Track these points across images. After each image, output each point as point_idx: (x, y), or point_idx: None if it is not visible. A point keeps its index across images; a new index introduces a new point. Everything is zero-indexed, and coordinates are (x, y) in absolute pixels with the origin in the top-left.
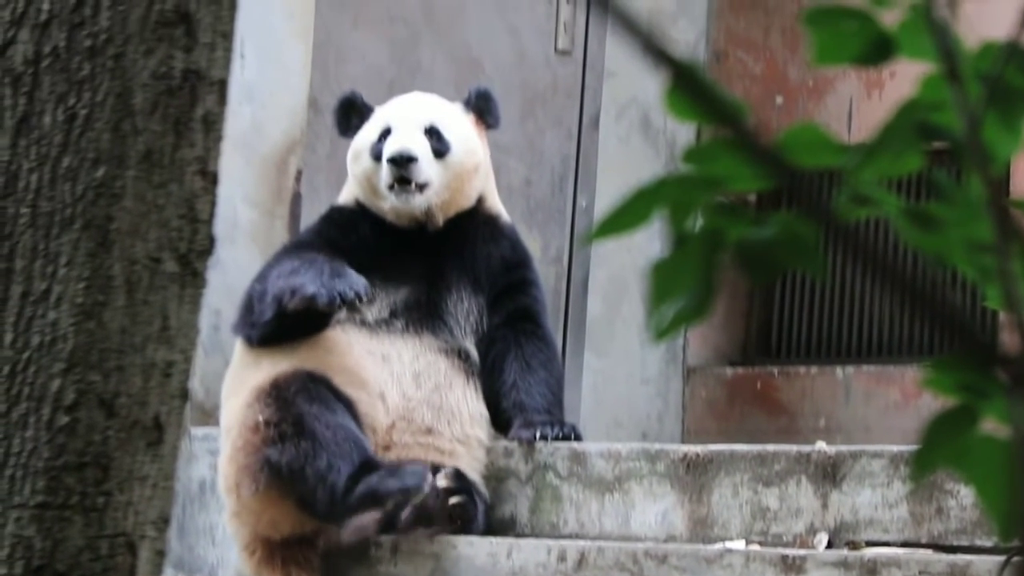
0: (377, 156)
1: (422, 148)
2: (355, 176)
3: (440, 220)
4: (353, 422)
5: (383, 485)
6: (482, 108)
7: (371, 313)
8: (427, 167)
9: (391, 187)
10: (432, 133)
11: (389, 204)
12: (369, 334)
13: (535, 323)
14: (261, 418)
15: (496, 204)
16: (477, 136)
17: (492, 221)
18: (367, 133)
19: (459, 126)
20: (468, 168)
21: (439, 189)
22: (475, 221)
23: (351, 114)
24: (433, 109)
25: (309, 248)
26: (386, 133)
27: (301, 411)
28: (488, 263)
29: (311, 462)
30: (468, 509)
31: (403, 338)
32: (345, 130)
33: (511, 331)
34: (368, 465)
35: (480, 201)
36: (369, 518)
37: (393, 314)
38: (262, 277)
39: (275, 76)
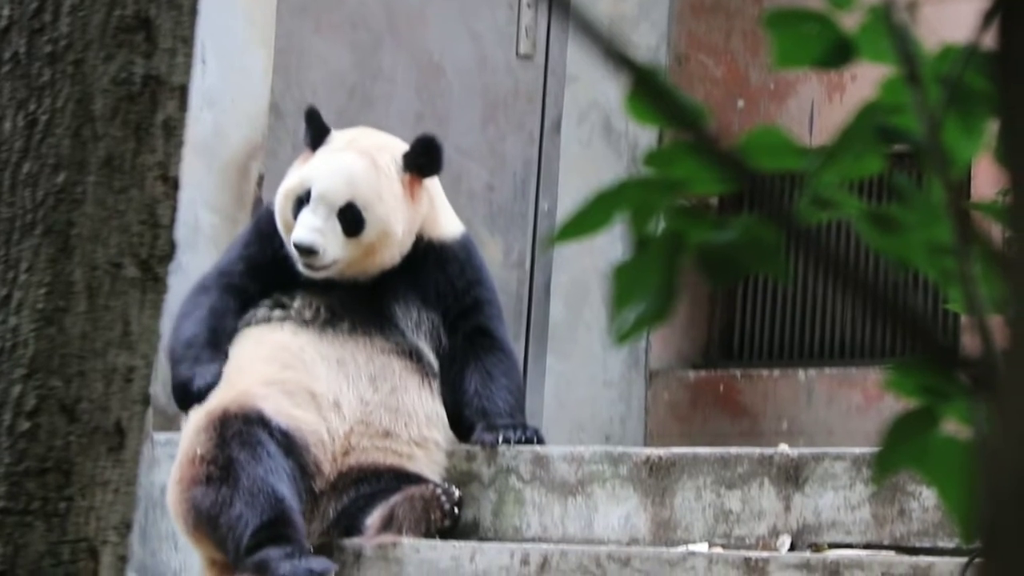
0: (296, 215)
1: (328, 235)
2: (279, 217)
3: (360, 279)
4: (287, 465)
5: (277, 565)
6: (422, 161)
7: (308, 313)
8: (332, 250)
9: (298, 260)
10: (347, 211)
11: (299, 263)
12: (318, 335)
13: (492, 337)
14: (199, 452)
15: (442, 231)
16: (404, 199)
17: (436, 249)
18: (293, 184)
19: (380, 201)
20: (382, 243)
21: (349, 263)
22: (417, 251)
23: (308, 128)
24: (357, 183)
25: (211, 288)
26: (306, 197)
27: (231, 455)
28: (436, 288)
29: (226, 510)
30: (456, 523)
31: (353, 339)
32: (305, 141)
33: (469, 347)
34: (276, 522)
35: (423, 233)
36: None
37: (334, 314)
38: (172, 329)
39: (236, 82)
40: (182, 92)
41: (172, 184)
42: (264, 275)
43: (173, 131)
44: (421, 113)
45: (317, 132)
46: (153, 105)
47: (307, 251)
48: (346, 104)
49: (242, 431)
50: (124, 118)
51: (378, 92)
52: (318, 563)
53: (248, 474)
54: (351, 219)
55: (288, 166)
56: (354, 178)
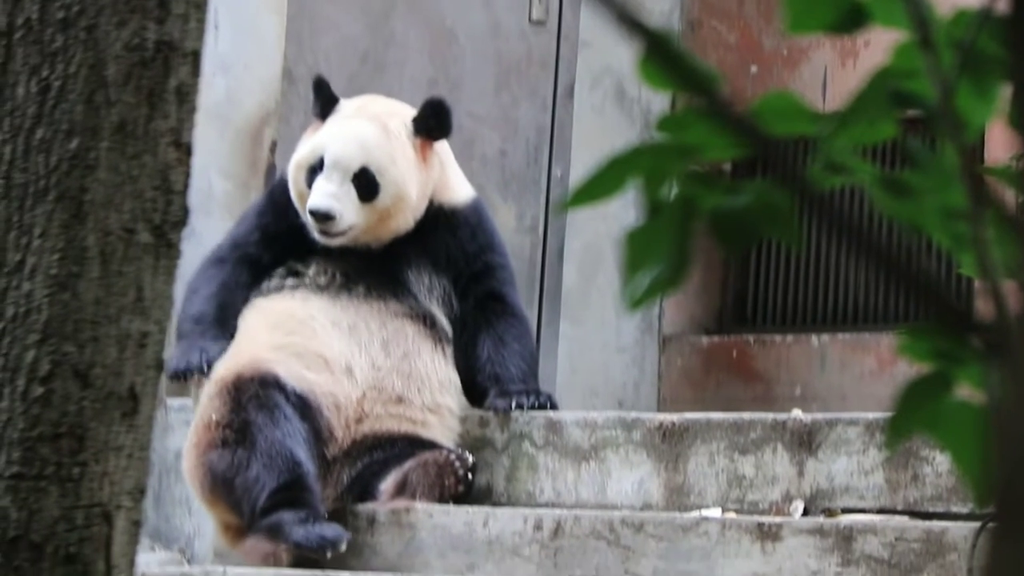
0: (309, 184)
1: (343, 200)
2: (292, 188)
3: (373, 246)
4: (302, 428)
5: (291, 530)
6: (431, 124)
7: (322, 280)
8: (348, 216)
9: (314, 228)
10: (361, 176)
11: (314, 233)
12: (331, 302)
13: (504, 302)
14: (214, 417)
15: (453, 196)
16: (417, 163)
17: (448, 214)
18: (305, 153)
19: (394, 165)
20: (397, 208)
21: (364, 228)
22: (428, 216)
23: (316, 97)
24: (370, 147)
25: (226, 260)
26: (319, 164)
27: (248, 418)
28: (447, 253)
29: (242, 472)
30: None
31: (367, 303)
32: (313, 110)
33: (481, 312)
34: (293, 484)
35: (434, 198)
36: (263, 548)
37: (348, 281)
38: (183, 301)
39: (249, 47)
40: (195, 58)
41: (185, 150)
42: (279, 245)
43: (186, 97)
44: (434, 79)
45: (326, 101)
46: (166, 71)
47: (323, 217)
48: (358, 70)
49: (258, 394)
50: (137, 84)
51: (390, 58)
52: (331, 530)
53: (265, 437)
54: (365, 184)
55: (301, 132)
56: (367, 143)
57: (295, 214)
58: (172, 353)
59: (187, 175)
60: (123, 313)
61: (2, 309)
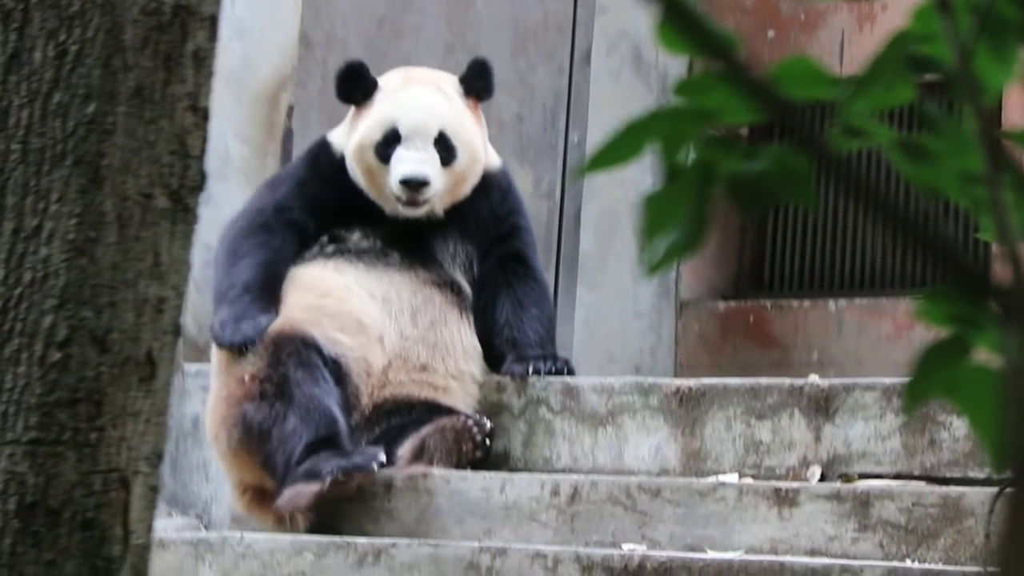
0: (384, 158)
1: (433, 166)
2: (357, 167)
3: (440, 213)
4: (337, 392)
5: (328, 464)
6: (479, 85)
7: (363, 246)
8: (437, 181)
9: (399, 199)
10: (441, 141)
11: (392, 208)
12: (367, 271)
13: (526, 265)
14: (251, 371)
15: (489, 160)
16: (476, 124)
17: (484, 178)
18: (371, 128)
19: (464, 128)
20: (471, 170)
21: (443, 194)
22: None
23: (353, 83)
24: (441, 112)
25: (273, 228)
26: (394, 137)
27: (287, 373)
28: (477, 216)
29: (279, 425)
30: (487, 454)
31: (400, 272)
32: (346, 97)
33: (502, 273)
34: (329, 440)
35: None
36: (306, 490)
37: (384, 250)
38: (226, 265)
39: (266, 12)
40: (212, 22)
41: (202, 114)
42: (323, 215)
43: (203, 61)
44: (451, 44)
45: (369, 84)
46: (183, 35)
47: (419, 185)
48: (375, 35)
49: (299, 351)
50: (154, 48)
51: (407, 23)
52: (368, 449)
53: (303, 392)
54: (445, 148)
55: (318, 96)
56: (437, 108)
57: (342, 187)
58: (222, 319)
59: (204, 140)
60: (140, 278)
61: (19, 274)
